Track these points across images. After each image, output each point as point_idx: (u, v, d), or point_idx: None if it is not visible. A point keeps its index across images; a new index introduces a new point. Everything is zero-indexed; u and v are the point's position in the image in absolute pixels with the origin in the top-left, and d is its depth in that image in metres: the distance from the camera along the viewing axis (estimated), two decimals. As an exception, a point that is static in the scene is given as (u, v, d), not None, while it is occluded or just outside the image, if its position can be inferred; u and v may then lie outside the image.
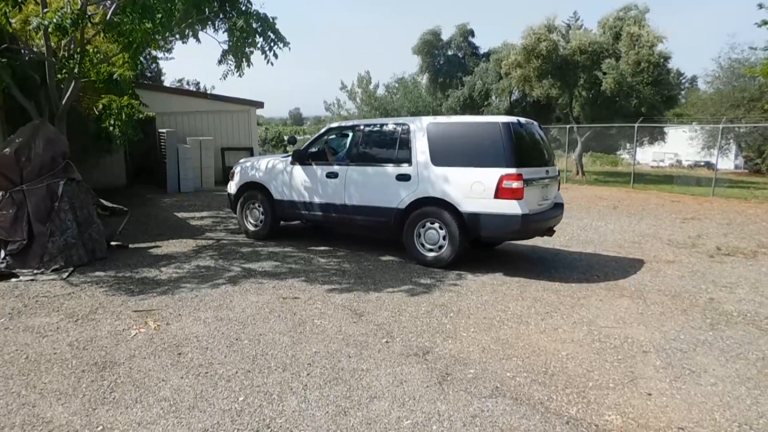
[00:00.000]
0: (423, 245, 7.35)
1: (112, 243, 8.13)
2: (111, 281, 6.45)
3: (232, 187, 9.33)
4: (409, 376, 3.93)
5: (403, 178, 7.38)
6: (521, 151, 6.93)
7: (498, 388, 3.77)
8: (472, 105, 35.50)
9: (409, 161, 7.39)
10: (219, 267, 7.16)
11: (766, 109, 18.98)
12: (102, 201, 8.30)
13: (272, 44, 8.88)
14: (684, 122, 35.84)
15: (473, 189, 6.89)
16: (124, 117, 9.99)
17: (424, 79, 40.60)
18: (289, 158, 8.56)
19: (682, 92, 39.27)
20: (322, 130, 8.70)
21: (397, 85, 42.11)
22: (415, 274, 6.87)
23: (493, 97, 34.93)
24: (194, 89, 46.75)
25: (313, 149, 8.48)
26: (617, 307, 5.68)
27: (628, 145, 28.48)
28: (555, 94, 27.88)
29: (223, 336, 4.69)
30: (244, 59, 9.00)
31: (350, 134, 8.53)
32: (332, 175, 8.00)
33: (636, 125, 21.45)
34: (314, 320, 5.10)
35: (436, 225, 7.20)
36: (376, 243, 8.69)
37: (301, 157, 8.41)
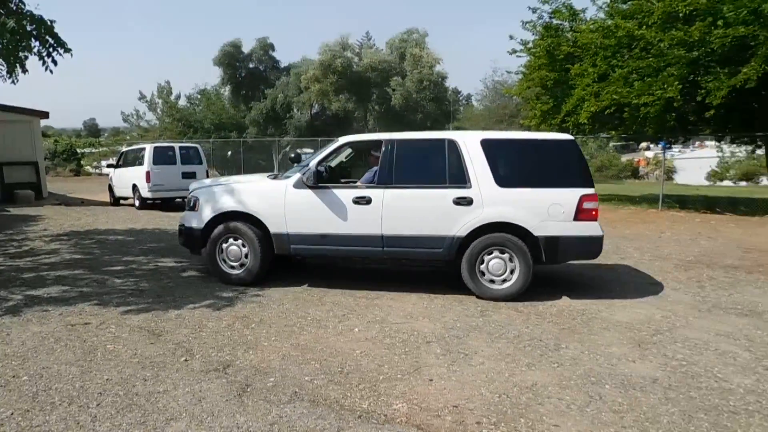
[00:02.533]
0: (488, 278, 6.30)
1: None
2: None
3: (193, 220, 6.99)
4: (208, 392, 3.83)
5: (463, 201, 6.27)
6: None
7: (297, 392, 3.85)
8: (275, 117, 35.45)
9: (465, 182, 6.32)
10: (-4, 298, 6.30)
11: (522, 123, 21.68)
12: None
13: (51, 49, 8.02)
14: (462, 135, 39.42)
15: (550, 212, 6.17)
16: None
17: (226, 91, 39.61)
18: (289, 180, 6.74)
19: (461, 108, 43.34)
20: (335, 145, 6.88)
21: (199, 96, 40.54)
22: (217, 288, 6.70)
23: (295, 110, 35.26)
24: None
25: (323, 169, 6.76)
26: (407, 303, 6.10)
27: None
28: (351, 108, 28.97)
29: None
30: (18, 64, 8.02)
31: (375, 150, 6.97)
32: (363, 201, 6.45)
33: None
34: (107, 346, 4.72)
35: (502, 253, 6.27)
36: (181, 258, 8.29)
37: (313, 179, 6.57)
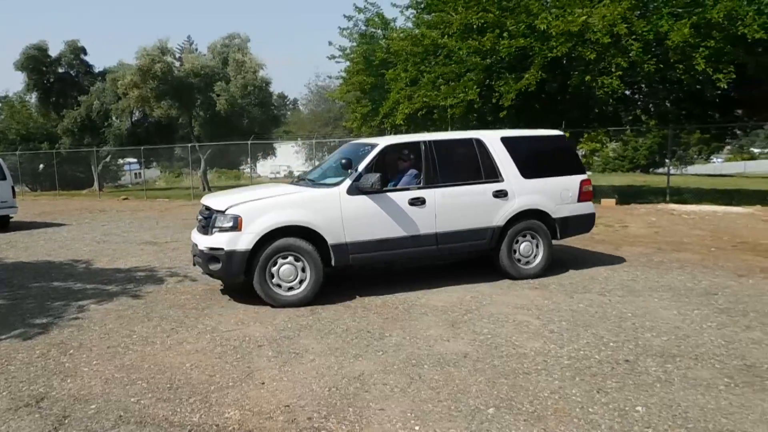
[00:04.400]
0: (519, 260, 6.95)
1: None
2: None
3: (238, 241, 5.90)
4: (18, 431, 3.44)
5: (500, 194, 6.79)
6: None
7: (122, 416, 3.60)
8: (92, 126, 32.44)
9: (497, 176, 6.85)
10: None
11: (345, 126, 22.24)
12: None
13: None
14: (290, 138, 39.38)
15: (562, 196, 7.10)
16: None
17: (33, 98, 35.34)
18: (340, 187, 6.26)
19: (288, 112, 43.25)
20: (377, 149, 6.55)
21: (0, 104, 35.70)
22: (28, 314, 5.99)
23: (114, 118, 32.56)
24: None
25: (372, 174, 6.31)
26: (237, 310, 5.98)
27: (250, 159, 30.00)
28: (175, 115, 27.48)
29: None
30: None
31: (411, 153, 6.85)
32: (418, 202, 6.44)
33: (249, 142, 22.64)
34: None
35: (528, 237, 7.00)
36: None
37: (367, 185, 6.17)
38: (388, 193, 6.42)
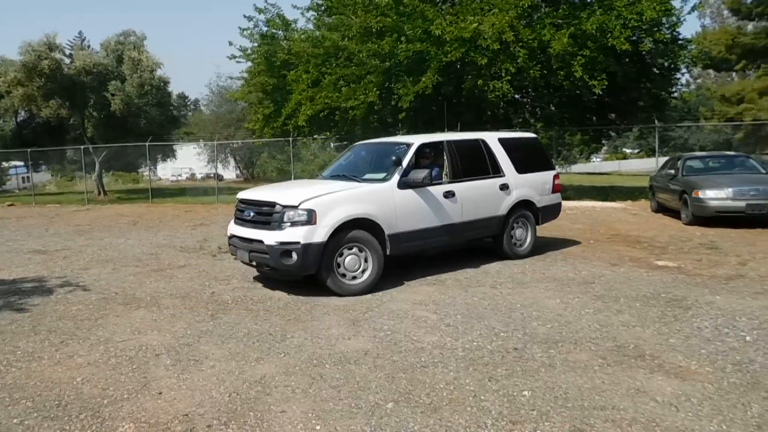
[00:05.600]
0: (515, 243, 7.96)
1: None
2: None
3: (314, 235, 6.00)
4: None
5: (504, 187, 7.75)
6: None
7: (1, 439, 3.31)
8: (-28, 125, 29.40)
9: (499, 172, 7.77)
10: None
11: (247, 127, 21.71)
12: None
13: None
14: (192, 140, 37.84)
15: (543, 188, 8.26)
16: None
17: None
18: (391, 182, 6.72)
19: (190, 113, 41.51)
20: (413, 148, 7.09)
21: None
22: None
23: (-4, 117, 29.69)
24: None
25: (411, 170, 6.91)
26: (134, 319, 5.66)
27: (149, 162, 28.50)
28: (66, 115, 25.57)
29: None
30: None
31: (436, 151, 7.44)
32: (449, 195, 7.14)
33: (147, 144, 21.52)
34: None
35: (521, 223, 8.02)
36: None
37: (417, 180, 6.72)
38: (428, 187, 6.93)
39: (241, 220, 6.77)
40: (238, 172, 45.00)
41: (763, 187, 10.06)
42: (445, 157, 7.35)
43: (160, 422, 3.48)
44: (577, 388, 3.77)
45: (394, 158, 6.86)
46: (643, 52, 15.16)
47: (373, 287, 6.36)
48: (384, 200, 6.59)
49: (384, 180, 6.82)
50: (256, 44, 18.16)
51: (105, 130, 25.98)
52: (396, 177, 6.74)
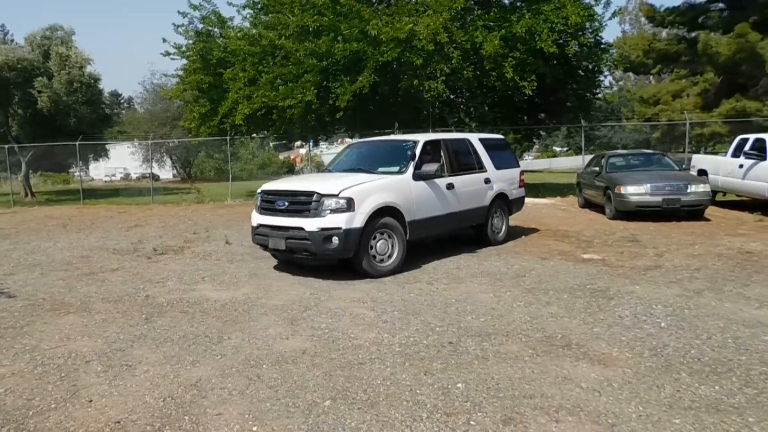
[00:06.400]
0: (495, 231, 8.85)
1: None
2: None
3: (353, 221, 6.54)
4: None
5: (488, 181, 8.65)
6: None
7: None
8: None
9: (483, 167, 8.66)
10: None
11: (183, 126, 21.07)
12: None
13: None
14: (126, 139, 36.35)
15: (513, 183, 9.31)
16: None
17: None
18: (407, 174, 7.41)
19: (123, 111, 39.80)
20: (420, 145, 7.75)
21: None
22: None
23: None
24: None
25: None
26: (63, 325, 5.39)
27: (79, 161, 27.14)
28: (-12, 113, 24.00)
29: None
30: None
31: (436, 147, 8.11)
32: (450, 186, 7.93)
33: (77, 143, 20.48)
34: None
35: (498, 214, 8.92)
36: None
37: (431, 172, 7.54)
38: (435, 179, 7.66)
39: (271, 210, 7.05)
40: (175, 171, 43.59)
41: (676, 183, 10.70)
42: (442, 154, 8.10)
43: (90, 431, 3.34)
44: (509, 378, 3.89)
45: (409, 152, 7.58)
46: (569, 55, 15.78)
47: (399, 269, 7.00)
48: (404, 190, 7.25)
49: (400, 172, 7.46)
50: (191, 41, 17.65)
51: (32, 129, 24.59)
52: (411, 169, 7.42)
